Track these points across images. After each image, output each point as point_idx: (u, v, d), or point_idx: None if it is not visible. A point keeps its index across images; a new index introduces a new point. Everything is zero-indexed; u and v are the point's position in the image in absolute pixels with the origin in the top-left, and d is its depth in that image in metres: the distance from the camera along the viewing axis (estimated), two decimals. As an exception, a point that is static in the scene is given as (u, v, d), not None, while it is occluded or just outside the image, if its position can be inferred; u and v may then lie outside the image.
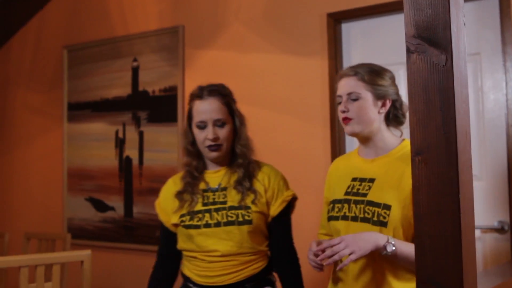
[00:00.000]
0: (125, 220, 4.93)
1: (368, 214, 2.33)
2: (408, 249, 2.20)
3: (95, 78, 5.18)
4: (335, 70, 3.90)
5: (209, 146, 2.68)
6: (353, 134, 2.44)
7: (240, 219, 2.64)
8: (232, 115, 2.75)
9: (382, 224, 2.30)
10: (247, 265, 2.67)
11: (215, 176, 2.76)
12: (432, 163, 1.36)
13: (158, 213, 2.83)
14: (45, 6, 5.57)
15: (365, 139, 2.46)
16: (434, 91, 1.36)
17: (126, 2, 5.04)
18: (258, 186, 2.73)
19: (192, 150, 2.77)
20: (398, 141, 2.45)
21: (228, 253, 2.63)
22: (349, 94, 2.42)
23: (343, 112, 2.42)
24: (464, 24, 1.46)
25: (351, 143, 3.92)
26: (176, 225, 2.74)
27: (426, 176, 1.37)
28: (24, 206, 5.69)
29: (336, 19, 3.97)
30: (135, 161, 4.90)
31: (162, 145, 4.71)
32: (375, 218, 2.31)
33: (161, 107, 4.73)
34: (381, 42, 3.88)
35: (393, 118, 2.48)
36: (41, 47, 5.65)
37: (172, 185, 2.83)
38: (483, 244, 3.48)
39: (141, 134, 4.85)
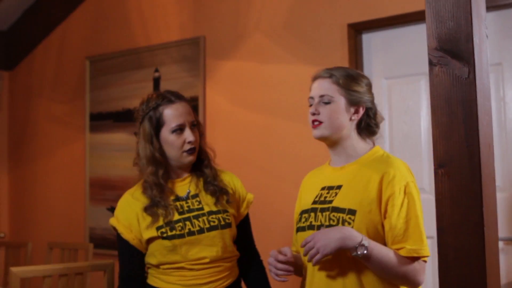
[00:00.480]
0: (147, 230, 4.94)
1: (333, 221, 2.22)
2: (384, 254, 2.11)
3: (117, 89, 5.22)
4: (356, 80, 3.90)
5: (188, 150, 2.61)
6: (321, 139, 2.34)
7: (222, 222, 2.61)
8: (195, 117, 2.69)
9: None
10: (230, 270, 2.64)
11: (181, 185, 2.67)
12: (455, 176, 1.36)
13: (120, 231, 2.60)
14: (68, 18, 5.62)
15: (333, 144, 2.36)
16: (456, 104, 1.36)
17: (148, 13, 5.08)
18: (228, 188, 2.71)
19: (160, 158, 2.60)
20: (368, 148, 2.36)
21: (215, 259, 2.57)
22: (322, 96, 2.32)
23: (313, 114, 2.32)
24: (487, 36, 1.46)
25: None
26: (150, 240, 2.57)
27: (449, 189, 1.37)
28: (47, 216, 5.74)
29: (357, 30, 3.97)
30: (157, 171, 4.91)
31: (183, 155, 4.72)
32: (340, 225, 2.20)
33: (182, 118, 4.74)
34: (401, 52, 3.87)
35: (365, 127, 2.37)
36: (63, 58, 5.71)
37: (133, 202, 2.63)
38: (506, 256, 3.45)
39: (162, 144, 4.87)
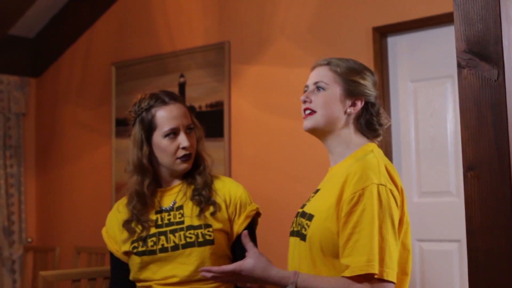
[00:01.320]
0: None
1: (298, 227, 2.02)
2: (317, 283, 1.84)
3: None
4: (381, 84, 3.89)
5: (183, 157, 2.36)
6: (313, 131, 2.07)
7: (201, 239, 2.31)
8: (192, 120, 2.44)
9: (303, 237, 1.98)
10: None
11: (169, 194, 2.43)
12: (485, 179, 1.35)
13: (106, 242, 2.47)
14: (94, 24, 5.68)
15: (325, 139, 2.08)
16: (486, 106, 1.35)
17: (173, 19, 5.11)
18: (218, 200, 2.40)
19: (148, 166, 2.37)
20: (361, 144, 2.06)
21: (187, 279, 2.30)
22: (316, 83, 2.06)
23: (305, 102, 2.06)
24: (516, 38, 1.45)
25: (398, 156, 3.89)
26: (127, 254, 2.40)
27: (478, 192, 1.36)
28: (74, 220, 5.78)
29: (382, 33, 3.96)
30: (182, 176, 4.94)
31: (209, 160, 4.74)
32: (301, 231, 1.99)
33: (207, 123, 4.75)
34: (427, 55, 3.85)
35: (365, 124, 2.07)
36: (89, 64, 5.76)
37: (116, 213, 2.47)
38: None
39: (188, 149, 4.89)
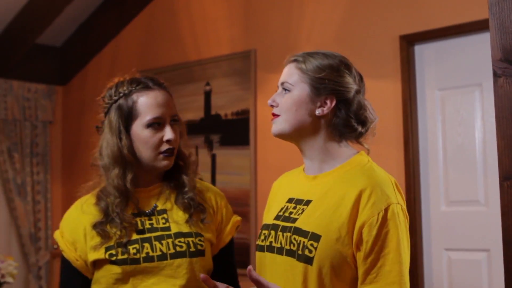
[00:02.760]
0: (198, 242, 4.97)
1: (294, 245, 1.76)
2: None
3: (168, 102, 5.27)
4: (408, 92, 3.88)
5: (166, 151, 2.03)
6: (280, 136, 1.90)
7: (192, 248, 2.00)
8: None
9: (308, 260, 1.72)
10: None
11: (148, 196, 2.09)
12: (522, 188, 1.34)
13: (62, 248, 2.06)
14: (120, 33, 5.72)
15: (298, 145, 1.91)
16: (522, 115, 1.34)
17: (199, 28, 5.13)
18: (206, 205, 2.12)
19: (130, 157, 2.03)
20: (351, 153, 1.86)
21: None
22: (282, 84, 1.88)
23: (271, 106, 1.90)
24: (552, 47, 1.44)
25: (426, 165, 3.87)
26: (98, 263, 2.01)
27: (515, 202, 1.35)
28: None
29: (409, 41, 3.95)
30: (208, 184, 4.95)
31: (235, 168, 4.75)
32: (299, 252, 1.74)
33: (233, 130, 4.77)
34: (455, 63, 3.83)
35: (342, 125, 1.85)
36: (116, 73, 5.73)
37: (79, 214, 2.08)
38: None
39: (213, 157, 4.90)
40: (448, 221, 3.77)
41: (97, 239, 2.00)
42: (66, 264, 2.06)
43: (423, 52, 3.95)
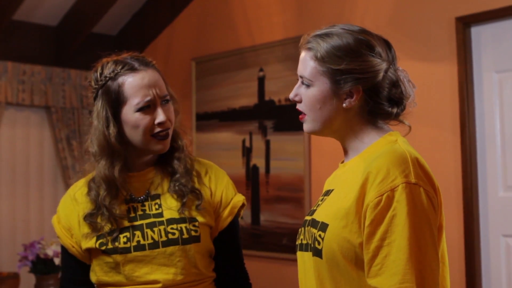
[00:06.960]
0: (253, 227, 5.00)
1: (310, 239, 1.64)
2: None
3: (222, 89, 5.30)
4: (465, 75, 3.80)
5: (158, 133, 1.95)
6: (313, 134, 1.74)
7: (185, 235, 1.94)
8: (168, 90, 2.05)
9: (317, 253, 1.59)
10: None
11: (141, 181, 2.02)
12: None
13: (58, 234, 2.03)
14: (174, 21, 5.76)
15: (329, 136, 1.74)
16: None
17: (252, 14, 5.13)
18: (203, 188, 2.04)
19: (117, 147, 1.94)
20: (378, 136, 1.68)
21: (171, 284, 1.93)
22: (301, 77, 1.72)
23: (294, 101, 1.73)
24: None
25: (483, 150, 3.80)
26: (91, 251, 1.99)
27: None
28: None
29: (465, 23, 3.86)
30: (262, 170, 4.97)
31: (289, 153, 4.75)
32: (312, 245, 1.62)
33: (287, 116, 4.77)
34: (513, 45, 3.74)
35: (375, 111, 1.68)
36: (170, 60, 5.85)
37: (73, 203, 2.04)
38: None
39: (267, 143, 4.92)
40: (506, 206, 3.69)
41: (86, 229, 1.98)
42: (63, 250, 2.06)
43: (480, 34, 3.87)
